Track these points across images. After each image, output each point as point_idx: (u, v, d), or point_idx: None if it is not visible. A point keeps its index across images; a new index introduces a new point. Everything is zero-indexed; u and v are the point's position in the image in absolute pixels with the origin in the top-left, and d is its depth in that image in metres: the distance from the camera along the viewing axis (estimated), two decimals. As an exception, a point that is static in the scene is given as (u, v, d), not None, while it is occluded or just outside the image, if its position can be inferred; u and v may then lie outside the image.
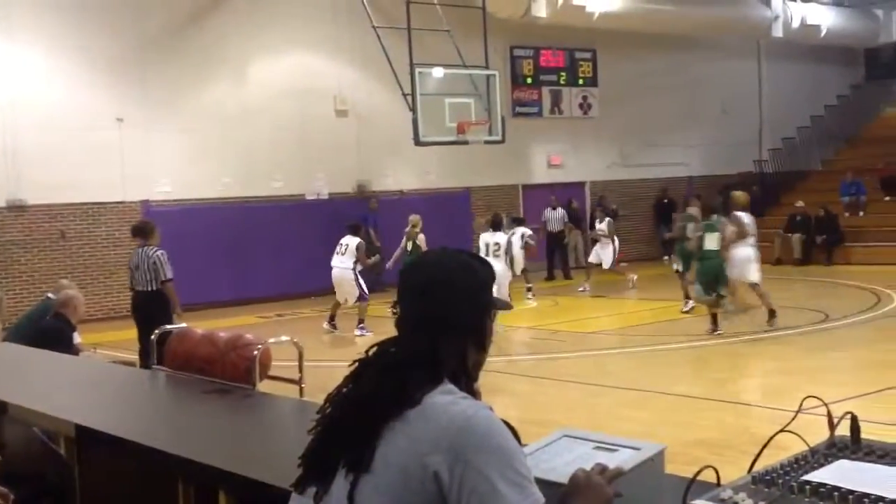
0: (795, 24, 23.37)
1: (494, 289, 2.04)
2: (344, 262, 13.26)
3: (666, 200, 22.67)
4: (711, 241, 11.82)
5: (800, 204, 20.84)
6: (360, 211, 17.98)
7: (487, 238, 13.57)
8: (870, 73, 27.22)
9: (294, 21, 18.02)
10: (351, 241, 13.36)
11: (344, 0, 17.89)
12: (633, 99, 22.56)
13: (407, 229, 14.54)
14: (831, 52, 26.02)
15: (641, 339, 12.35)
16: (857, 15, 25.27)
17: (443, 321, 1.91)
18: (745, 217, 11.96)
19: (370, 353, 1.97)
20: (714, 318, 11.82)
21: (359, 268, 13.27)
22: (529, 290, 16.49)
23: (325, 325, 13.50)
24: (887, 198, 21.49)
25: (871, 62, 27.15)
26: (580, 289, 17.22)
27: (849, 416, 2.34)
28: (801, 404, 2.34)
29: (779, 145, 25.34)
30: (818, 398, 2.31)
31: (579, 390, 9.53)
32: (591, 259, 17.66)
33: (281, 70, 17.94)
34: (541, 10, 19.29)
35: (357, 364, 1.97)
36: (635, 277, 17.19)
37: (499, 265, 12.72)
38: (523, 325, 13.56)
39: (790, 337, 11.71)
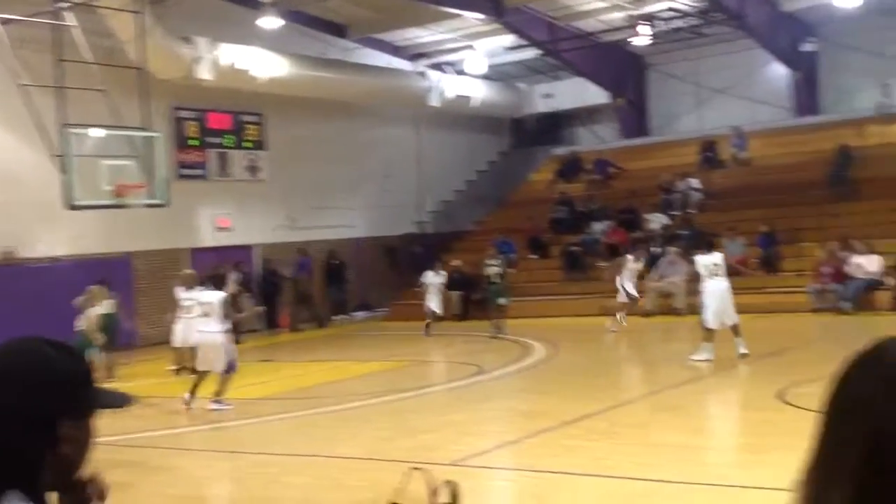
0: (449, 94, 25.10)
1: None
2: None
3: (336, 262, 23.13)
4: None
5: (457, 263, 22.13)
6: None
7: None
8: (516, 142, 29.79)
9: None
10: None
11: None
12: (301, 162, 22.94)
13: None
14: (482, 122, 28.21)
15: (306, 402, 12.40)
16: (504, 88, 27.65)
17: (4, 421, 1.65)
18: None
19: None
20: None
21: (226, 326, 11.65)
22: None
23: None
24: (534, 256, 23.50)
25: (517, 131, 29.75)
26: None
27: (450, 484, 2.54)
28: (407, 477, 2.50)
29: (438, 207, 26.91)
30: (421, 468, 2.49)
31: (243, 460, 9.38)
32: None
33: None
34: (205, 73, 19.13)
35: None
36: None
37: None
38: (184, 394, 13.09)
39: (448, 391, 12.37)
